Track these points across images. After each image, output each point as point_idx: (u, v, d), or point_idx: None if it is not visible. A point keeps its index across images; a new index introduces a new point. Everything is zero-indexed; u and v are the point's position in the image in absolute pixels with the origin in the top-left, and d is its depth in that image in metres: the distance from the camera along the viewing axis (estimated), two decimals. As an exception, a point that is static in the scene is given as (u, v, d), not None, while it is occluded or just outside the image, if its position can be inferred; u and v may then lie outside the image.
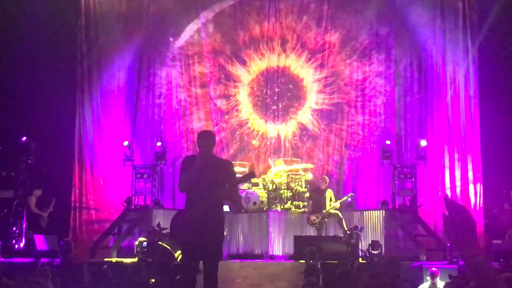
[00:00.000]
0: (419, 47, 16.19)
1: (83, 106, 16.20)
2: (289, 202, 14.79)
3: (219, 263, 6.45)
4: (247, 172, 6.98)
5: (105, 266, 10.71)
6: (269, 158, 15.90)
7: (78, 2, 16.28)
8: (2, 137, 14.95)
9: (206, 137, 6.70)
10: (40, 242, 13.06)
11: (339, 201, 13.62)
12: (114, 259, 13.06)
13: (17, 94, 15.26)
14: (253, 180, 15.25)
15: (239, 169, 15.41)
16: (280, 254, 13.97)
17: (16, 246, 14.05)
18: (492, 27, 15.17)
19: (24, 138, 14.91)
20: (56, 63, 15.45)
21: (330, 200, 13.68)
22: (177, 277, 8.53)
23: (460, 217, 2.19)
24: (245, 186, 15.01)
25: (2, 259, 12.33)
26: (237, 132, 16.72)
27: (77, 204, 15.65)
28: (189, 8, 16.74)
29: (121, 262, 12.27)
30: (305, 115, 16.61)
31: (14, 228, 14.27)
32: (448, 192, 15.29)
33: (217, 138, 16.41)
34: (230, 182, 6.55)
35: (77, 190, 15.72)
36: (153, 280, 9.96)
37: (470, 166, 15.31)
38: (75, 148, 15.96)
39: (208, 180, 6.32)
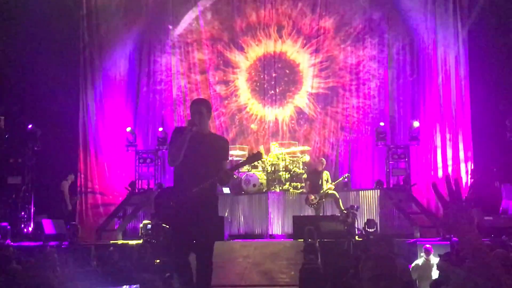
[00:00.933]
0: (411, 31, 16.18)
1: (86, 94, 16.19)
2: (287, 184, 14.84)
3: (221, 243, 6.37)
4: (254, 153, 6.15)
5: (111, 248, 10.79)
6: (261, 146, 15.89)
7: (79, -8, 16.23)
8: (10, 125, 14.97)
9: (198, 103, 5.94)
10: (48, 226, 13.14)
11: (334, 183, 13.63)
12: (119, 241, 13.12)
13: (22, 83, 15.27)
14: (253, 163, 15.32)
15: (239, 153, 15.49)
16: (280, 234, 14.05)
17: (25, 230, 14.13)
18: (481, 10, 15.14)
19: (30, 126, 14.95)
20: (59, 52, 15.40)
21: (327, 181, 13.71)
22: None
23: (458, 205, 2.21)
24: (245, 168, 15.04)
25: (12, 243, 12.38)
26: (236, 116, 16.72)
27: (83, 189, 15.70)
28: (188, -4, 16.69)
29: (127, 244, 12.32)
30: (301, 99, 16.61)
31: (23, 213, 14.35)
32: (440, 171, 15.36)
33: (217, 122, 16.52)
34: (222, 162, 5.75)
35: (82, 175, 15.75)
36: (157, 261, 10.00)
37: (461, 146, 15.35)
38: (79, 135, 15.96)
39: (198, 154, 5.52)
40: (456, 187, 2.30)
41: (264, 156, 15.35)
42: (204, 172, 5.50)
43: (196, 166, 5.50)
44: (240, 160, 14.26)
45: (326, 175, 13.85)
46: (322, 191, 13.47)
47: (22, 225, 14.21)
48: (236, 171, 15.02)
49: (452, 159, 15.39)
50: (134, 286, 1.87)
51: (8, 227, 13.22)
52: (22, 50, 15.05)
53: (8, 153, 14.99)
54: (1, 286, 5.83)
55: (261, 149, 15.44)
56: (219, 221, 7.46)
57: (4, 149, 14.92)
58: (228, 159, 6.12)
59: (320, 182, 13.61)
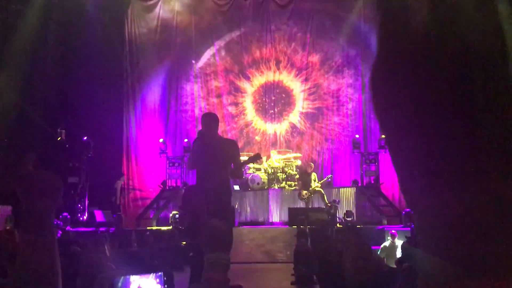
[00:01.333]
0: (379, 64, 16.17)
1: (128, 112, 16.25)
2: (284, 182, 14.80)
3: (233, 229, 6.11)
4: (253, 154, 6.16)
5: (148, 233, 10.77)
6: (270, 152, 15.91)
7: (123, 34, 16.29)
8: (69, 137, 14.99)
9: (206, 116, 5.82)
10: (99, 216, 13.14)
11: (320, 182, 13.64)
12: (154, 227, 13.11)
13: (80, 104, 15.28)
14: (256, 166, 15.29)
15: (245, 158, 15.47)
16: (278, 221, 14.01)
17: (81, 218, 14.15)
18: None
19: (85, 138, 14.97)
20: (108, 80, 15.46)
21: (315, 180, 13.70)
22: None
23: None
24: (250, 170, 15.05)
25: (71, 229, 12.39)
26: (244, 130, 16.69)
27: (126, 186, 15.70)
28: (207, 38, 16.67)
29: (160, 229, 12.30)
30: (294, 117, 16.60)
31: (79, 205, 14.37)
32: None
33: (229, 135, 16.46)
34: (234, 160, 5.54)
35: (125, 176, 15.77)
36: (184, 243, 9.99)
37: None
38: (123, 144, 16.01)
39: (213, 158, 5.34)
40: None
41: (265, 160, 15.43)
42: (218, 171, 5.32)
43: (211, 166, 5.32)
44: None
45: (314, 176, 13.85)
46: (311, 188, 13.48)
47: (79, 215, 14.22)
48: (244, 171, 15.10)
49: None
50: (159, 273, 1.86)
51: (68, 216, 13.23)
52: (80, 78, 15.09)
53: (68, 158, 14.99)
54: (64, 264, 5.75)
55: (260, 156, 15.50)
56: (232, 210, 7.26)
57: (65, 156, 14.93)
58: (238, 157, 5.67)
59: (309, 181, 13.62)
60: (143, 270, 1.77)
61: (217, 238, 1.52)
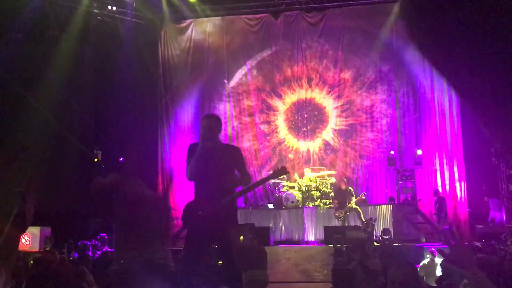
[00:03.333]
0: (413, 79, 16.07)
1: (163, 132, 16.47)
2: (318, 200, 14.77)
3: (268, 248, 5.67)
4: (279, 168, 4.98)
5: (183, 253, 10.78)
6: (298, 173, 15.86)
7: (157, 56, 16.62)
8: (106, 158, 15.26)
9: (207, 118, 5.00)
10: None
11: (355, 200, 13.48)
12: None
13: (116, 125, 15.58)
14: (290, 184, 15.30)
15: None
16: (313, 240, 13.94)
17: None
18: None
19: (121, 159, 15.20)
20: (143, 101, 15.79)
21: (352, 195, 13.59)
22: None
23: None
24: (284, 189, 15.06)
25: (109, 249, 12.50)
26: (277, 148, 16.70)
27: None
28: (238, 58, 16.86)
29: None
30: (327, 134, 16.54)
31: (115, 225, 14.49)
32: (440, 189, 15.12)
33: (262, 153, 16.51)
34: (239, 168, 4.88)
35: (161, 195, 15.91)
36: (220, 263, 9.98)
37: (455, 169, 15.09)
38: (158, 163, 16.19)
39: (214, 166, 4.71)
40: (457, 234, 2.37)
41: (298, 178, 15.40)
42: (221, 183, 4.72)
43: (213, 177, 4.71)
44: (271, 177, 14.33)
45: (350, 189, 13.79)
46: (348, 206, 13.39)
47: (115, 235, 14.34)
48: (278, 190, 15.08)
49: (449, 179, 15.13)
50: None
51: (106, 236, 13.41)
52: (116, 100, 15.42)
53: (104, 179, 15.20)
54: (105, 283, 5.81)
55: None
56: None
57: (101, 176, 15.16)
58: (244, 164, 5.00)
59: (345, 198, 13.53)
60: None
61: (251, 255, 1.55)
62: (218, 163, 4.74)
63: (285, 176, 15.56)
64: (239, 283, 4.25)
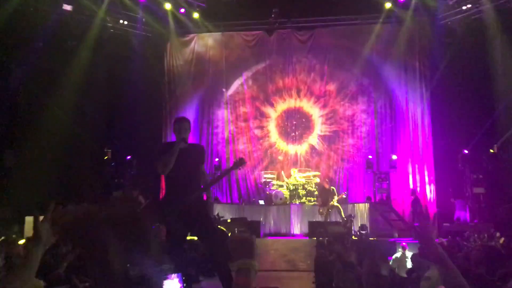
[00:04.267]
0: (390, 92, 16.18)
1: (166, 135, 16.48)
2: (304, 198, 14.85)
3: (258, 239, 5.68)
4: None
5: (185, 246, 10.78)
6: (282, 172, 15.91)
7: (163, 66, 16.66)
8: (114, 156, 15.27)
9: (183, 120, 5.02)
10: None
11: (336, 198, 13.57)
12: (191, 238, 13.13)
13: (124, 127, 15.56)
14: (279, 183, 15.39)
15: (270, 176, 15.59)
16: (299, 233, 14.02)
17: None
18: (439, 78, 15.17)
19: (129, 157, 15.22)
20: (149, 106, 15.74)
21: (333, 193, 13.67)
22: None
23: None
24: (274, 187, 15.13)
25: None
26: (268, 151, 16.76)
27: (163, 200, 15.81)
28: (236, 69, 16.89)
29: (193, 239, 12.34)
30: (313, 139, 16.63)
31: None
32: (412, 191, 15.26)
33: (255, 155, 16.57)
34: (202, 164, 4.99)
35: (163, 191, 15.88)
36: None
37: (426, 172, 15.24)
38: (161, 163, 16.15)
39: (186, 164, 4.74)
40: (421, 209, 2.40)
41: (287, 178, 15.48)
42: (193, 179, 4.79)
43: (185, 174, 4.73)
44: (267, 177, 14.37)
45: (333, 189, 13.88)
46: (330, 203, 13.47)
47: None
48: (268, 188, 15.14)
49: (419, 182, 15.27)
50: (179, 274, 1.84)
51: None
52: (125, 104, 15.38)
53: (113, 175, 15.22)
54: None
55: (283, 174, 15.52)
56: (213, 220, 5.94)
57: (110, 173, 15.19)
58: (204, 162, 5.11)
59: (327, 197, 13.62)
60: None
61: (240, 245, 1.60)
62: (191, 160, 4.80)
63: (275, 176, 15.70)
64: (224, 267, 4.41)
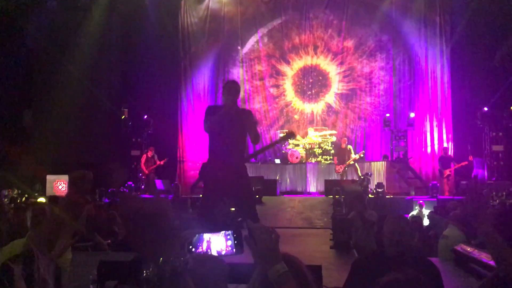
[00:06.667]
0: (409, 48, 15.83)
1: (181, 93, 16.39)
2: (320, 157, 14.90)
3: (275, 197, 5.90)
4: (287, 133, 5.31)
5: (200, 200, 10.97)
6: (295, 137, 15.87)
7: (177, 24, 16.41)
8: (132, 116, 15.37)
9: (233, 83, 5.01)
10: (159, 184, 13.47)
11: (353, 157, 13.53)
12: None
13: (141, 86, 15.60)
14: (295, 142, 15.39)
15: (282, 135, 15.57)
16: (315, 192, 14.15)
17: (142, 187, 14.47)
18: (460, 34, 14.80)
19: (145, 116, 15.31)
20: (164, 65, 15.68)
21: (350, 152, 13.65)
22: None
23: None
24: (290, 146, 15.15)
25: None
26: (284, 110, 16.65)
27: (181, 159, 15.96)
28: (251, 26, 16.59)
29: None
30: (330, 97, 16.46)
31: (140, 175, 14.70)
32: (429, 148, 15.15)
33: (270, 114, 16.52)
34: (252, 130, 4.88)
35: (180, 150, 16.04)
36: (232, 209, 10.15)
37: (444, 131, 15.08)
38: (178, 122, 16.23)
39: (233, 127, 4.73)
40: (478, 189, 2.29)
41: (302, 137, 15.46)
42: (236, 143, 4.82)
43: (229, 137, 4.78)
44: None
45: (350, 148, 13.83)
46: (345, 162, 13.48)
47: (141, 183, 14.58)
48: (284, 147, 15.17)
49: (438, 139, 15.14)
50: (228, 231, 1.89)
51: (132, 184, 13.66)
52: (141, 63, 15.37)
53: (130, 134, 15.39)
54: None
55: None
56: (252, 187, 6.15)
57: (128, 132, 15.34)
58: (257, 123, 5.15)
59: (344, 156, 13.61)
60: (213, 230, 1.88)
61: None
62: (237, 124, 4.77)
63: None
64: (255, 219, 4.64)
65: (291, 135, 5.66)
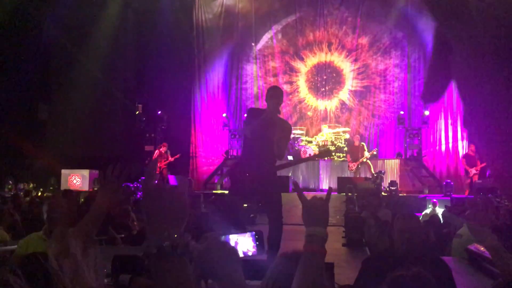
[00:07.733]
0: (424, 46, 15.68)
1: (195, 90, 16.44)
2: (333, 154, 14.84)
3: (288, 194, 5.90)
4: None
5: (213, 196, 11.03)
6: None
7: (192, 20, 16.43)
8: (146, 111, 15.45)
9: (279, 91, 4.78)
10: (172, 179, 13.53)
11: (367, 154, 13.45)
12: (218, 191, 13.45)
13: (155, 82, 15.65)
14: (308, 139, 15.37)
15: (298, 131, 15.54)
16: (327, 189, 14.07)
17: (155, 182, 14.49)
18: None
19: (159, 112, 15.38)
20: (178, 61, 15.70)
21: (364, 149, 13.57)
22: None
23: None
24: (303, 143, 15.13)
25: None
26: (297, 106, 16.62)
27: (194, 154, 16.01)
28: (265, 22, 16.57)
29: (223, 193, 12.59)
30: (344, 94, 16.40)
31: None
32: (443, 146, 15.01)
33: (284, 110, 16.46)
34: (281, 144, 4.75)
35: (193, 145, 16.09)
36: (245, 205, 10.16)
37: (459, 129, 14.91)
38: (191, 118, 16.28)
39: (270, 135, 4.63)
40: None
41: (315, 134, 15.42)
42: (269, 151, 4.70)
43: (267, 144, 4.67)
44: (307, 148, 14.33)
45: (363, 145, 13.76)
46: (359, 160, 13.41)
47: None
48: (297, 144, 15.14)
49: (452, 138, 14.99)
50: (252, 232, 1.91)
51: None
52: (155, 59, 15.42)
53: (144, 130, 15.47)
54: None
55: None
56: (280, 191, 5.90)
57: (142, 127, 15.42)
58: (289, 139, 5.12)
59: (357, 153, 13.53)
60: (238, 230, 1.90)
61: (314, 213, 1.60)
62: (275, 133, 4.69)
63: (304, 132, 15.68)
64: (278, 230, 4.54)
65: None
